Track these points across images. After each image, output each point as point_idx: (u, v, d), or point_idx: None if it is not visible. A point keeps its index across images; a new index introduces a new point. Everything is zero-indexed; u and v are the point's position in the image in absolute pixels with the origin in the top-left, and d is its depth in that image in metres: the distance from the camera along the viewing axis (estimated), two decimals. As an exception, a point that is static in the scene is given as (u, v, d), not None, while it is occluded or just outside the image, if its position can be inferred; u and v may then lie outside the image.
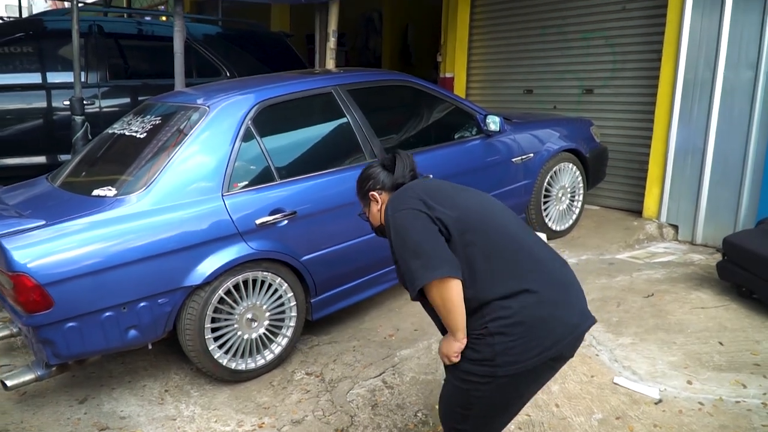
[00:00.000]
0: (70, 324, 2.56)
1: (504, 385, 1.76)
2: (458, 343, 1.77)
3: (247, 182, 3.02)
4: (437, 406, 1.94)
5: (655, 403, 2.64)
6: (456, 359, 1.80)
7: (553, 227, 4.74)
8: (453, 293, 1.71)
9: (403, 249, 1.76)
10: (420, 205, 1.79)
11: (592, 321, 1.85)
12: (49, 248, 2.51)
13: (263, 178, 3.08)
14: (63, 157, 4.75)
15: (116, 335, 2.69)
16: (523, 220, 4.53)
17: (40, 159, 4.84)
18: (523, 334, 1.71)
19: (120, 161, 3.14)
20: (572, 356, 1.84)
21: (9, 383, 2.70)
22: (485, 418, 1.83)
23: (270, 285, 3.07)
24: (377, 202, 2.07)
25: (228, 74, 5.63)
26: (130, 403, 2.96)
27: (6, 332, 3.17)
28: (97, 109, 4.99)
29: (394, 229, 1.80)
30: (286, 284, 3.11)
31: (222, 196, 2.90)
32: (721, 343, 3.08)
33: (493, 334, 1.72)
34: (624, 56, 5.32)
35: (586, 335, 3.07)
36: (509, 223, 1.87)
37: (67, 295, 2.52)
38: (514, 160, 4.24)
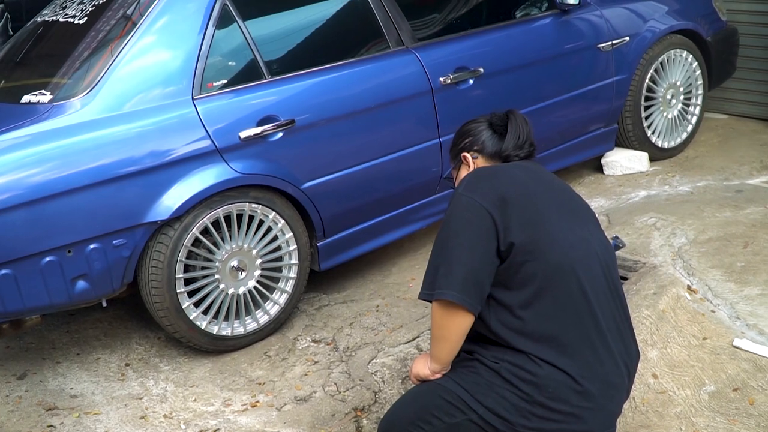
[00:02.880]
0: (3, 271, 2.80)
1: (465, 426, 2.02)
2: (430, 375, 2.10)
3: (225, 81, 3.19)
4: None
5: (787, 370, 2.81)
6: (417, 382, 2.15)
7: (659, 143, 4.83)
8: (454, 325, 1.98)
9: (441, 240, 2.02)
10: (494, 206, 1.97)
11: None
12: (-33, 173, 2.74)
13: (248, 75, 3.24)
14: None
15: (60, 287, 2.93)
16: (615, 132, 4.64)
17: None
18: (528, 398, 1.95)
19: (54, 58, 3.33)
20: None
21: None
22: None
23: (261, 222, 3.27)
24: (468, 167, 2.28)
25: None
26: (82, 380, 3.25)
27: None
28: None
29: (449, 211, 2.04)
30: (282, 221, 3.31)
31: (192, 99, 3.09)
32: None
33: (501, 375, 1.98)
34: None
35: (699, 285, 3.25)
36: (596, 275, 2.05)
37: (-6, 234, 2.77)
38: (601, 46, 4.31)
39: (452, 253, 1.96)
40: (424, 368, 2.11)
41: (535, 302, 1.98)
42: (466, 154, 2.28)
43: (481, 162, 2.26)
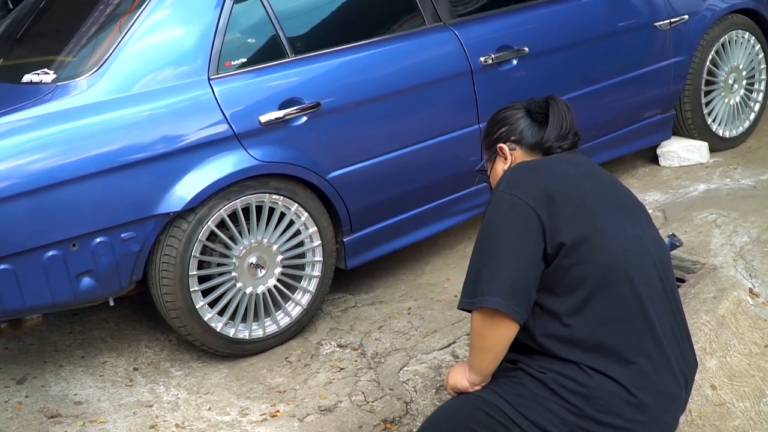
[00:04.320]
0: (2, 266, 2.78)
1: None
2: (469, 387, 2.06)
3: (245, 60, 3.17)
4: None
5: None
6: (454, 393, 2.12)
7: (720, 132, 4.77)
8: (498, 335, 1.94)
9: (483, 243, 1.98)
10: (541, 205, 1.93)
11: None
12: (-36, 158, 2.73)
13: (269, 53, 3.21)
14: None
15: (64, 284, 2.91)
16: (672, 119, 4.57)
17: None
18: (578, 411, 1.92)
19: (58, 34, 3.33)
20: None
21: None
22: None
23: (282, 215, 3.24)
24: (505, 159, 2.23)
25: None
26: (86, 385, 3.23)
27: None
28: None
29: (491, 211, 2.00)
30: (305, 213, 3.28)
31: (208, 80, 3.06)
32: None
33: (547, 386, 1.94)
34: None
35: (763, 288, 3.19)
36: (651, 279, 2.00)
37: (-8, 226, 2.76)
38: (658, 24, 4.26)
39: (496, 256, 1.93)
40: (462, 379, 2.08)
41: (585, 308, 1.94)
42: (502, 145, 2.23)
43: (519, 154, 2.22)
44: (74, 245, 2.88)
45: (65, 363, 3.39)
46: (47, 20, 3.50)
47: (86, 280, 2.95)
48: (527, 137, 2.20)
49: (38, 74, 3.01)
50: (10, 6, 4.43)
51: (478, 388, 2.06)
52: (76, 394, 3.17)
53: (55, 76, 2.99)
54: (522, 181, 2.01)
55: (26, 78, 3.03)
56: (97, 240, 2.91)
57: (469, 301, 1.94)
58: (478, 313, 1.94)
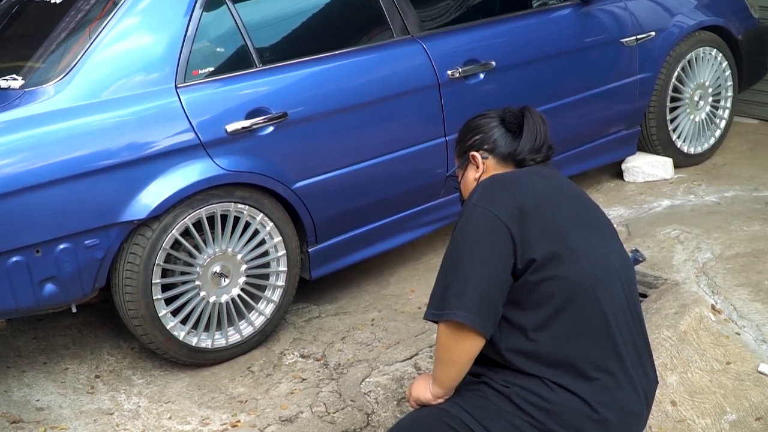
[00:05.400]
0: (-37, 272, 2.82)
1: None
2: (432, 400, 2.07)
3: (212, 69, 3.21)
4: None
5: (817, 399, 2.82)
6: (416, 406, 2.13)
7: (685, 148, 4.85)
8: (464, 348, 1.96)
9: (452, 255, 2.00)
10: (512, 219, 1.95)
11: None
12: (-72, 162, 2.75)
13: (237, 62, 3.26)
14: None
15: (27, 290, 2.93)
16: (637, 135, 4.65)
17: None
18: (541, 425, 1.94)
19: (27, 40, 3.35)
20: None
21: None
22: None
23: (248, 224, 3.28)
24: (477, 168, 2.24)
25: None
26: (48, 391, 3.25)
27: None
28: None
29: (462, 223, 2.02)
30: (271, 223, 3.32)
31: (176, 88, 3.10)
32: None
33: (511, 400, 1.97)
34: None
35: (724, 304, 3.25)
36: (616, 296, 2.04)
37: (-44, 231, 2.78)
38: (625, 40, 4.33)
39: (466, 270, 1.94)
40: (425, 392, 2.09)
41: (552, 324, 1.96)
42: (475, 153, 2.24)
43: (491, 163, 2.22)
44: (38, 251, 2.90)
45: (28, 369, 3.41)
46: (17, 26, 3.52)
47: (49, 287, 2.98)
48: (501, 147, 2.21)
49: (6, 80, 3.04)
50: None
51: (441, 400, 2.07)
52: (38, 400, 3.19)
53: (23, 81, 3.02)
54: (495, 194, 2.02)
55: (-7, 83, 3.06)
56: (61, 246, 2.93)
57: (436, 313, 1.95)
58: (444, 326, 1.95)
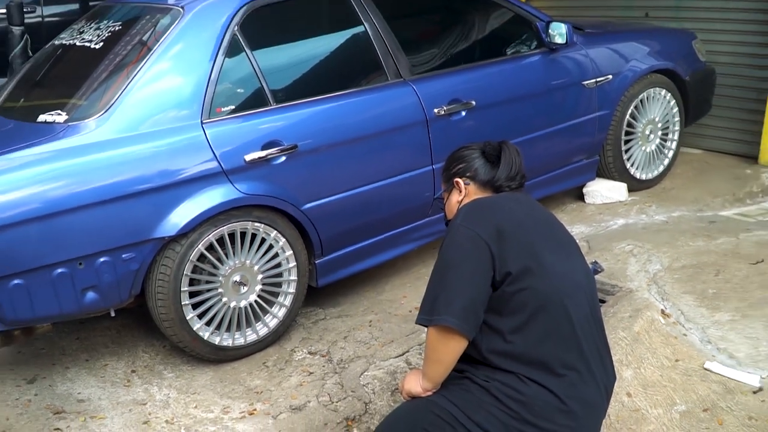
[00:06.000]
0: (15, 281, 2.76)
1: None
2: (422, 393, 2.07)
3: (233, 107, 3.17)
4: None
5: (754, 392, 2.77)
6: (408, 397, 2.13)
7: (638, 175, 4.83)
8: (450, 349, 1.97)
9: (440, 269, 2.00)
10: (492, 238, 1.96)
11: None
12: (-15, 187, 2.71)
13: (254, 102, 3.23)
14: (-2, 80, 4.95)
15: (71, 298, 2.89)
16: (596, 163, 4.62)
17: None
18: (516, 415, 1.93)
19: (70, 79, 3.31)
20: None
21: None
22: None
23: (263, 240, 3.24)
24: (460, 192, 2.25)
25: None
26: (89, 385, 3.20)
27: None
28: (39, 19, 5.17)
29: (449, 241, 2.02)
30: (283, 239, 3.28)
31: (201, 123, 3.06)
32: None
33: (490, 393, 1.97)
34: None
35: (673, 309, 3.22)
36: (581, 304, 2.04)
37: (9, 246, 2.72)
38: (586, 83, 4.31)
39: (452, 282, 1.95)
40: (416, 386, 2.09)
41: (526, 328, 1.97)
42: (458, 179, 2.25)
43: (472, 189, 2.23)
44: (81, 264, 2.86)
45: (71, 365, 3.36)
46: (62, 67, 3.48)
47: (90, 294, 2.93)
48: (481, 175, 2.22)
49: (52, 115, 3.00)
50: (30, 53, 4.41)
51: (430, 393, 2.07)
52: (79, 393, 3.14)
53: (67, 116, 2.98)
54: (476, 216, 2.03)
55: (41, 118, 3.01)
56: (101, 260, 2.90)
57: (427, 318, 1.96)
58: (434, 329, 1.96)
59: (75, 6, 5.32)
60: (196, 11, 3.21)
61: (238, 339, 3.29)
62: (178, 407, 3.04)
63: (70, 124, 2.94)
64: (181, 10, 3.22)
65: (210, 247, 3.11)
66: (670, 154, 4.97)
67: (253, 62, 3.24)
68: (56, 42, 3.69)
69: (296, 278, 3.37)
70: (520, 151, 2.23)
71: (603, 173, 4.77)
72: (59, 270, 2.83)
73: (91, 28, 3.50)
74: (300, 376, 3.18)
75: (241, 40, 3.23)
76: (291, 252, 3.32)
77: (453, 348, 1.96)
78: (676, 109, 4.86)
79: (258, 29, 3.30)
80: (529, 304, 1.96)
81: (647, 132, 4.78)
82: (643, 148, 4.81)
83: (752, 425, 2.64)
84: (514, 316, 1.96)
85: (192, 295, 3.13)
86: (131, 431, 2.89)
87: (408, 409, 2.10)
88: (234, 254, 3.18)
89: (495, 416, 1.94)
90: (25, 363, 3.38)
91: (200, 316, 3.17)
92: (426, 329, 2.01)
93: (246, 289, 3.26)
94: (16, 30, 4.48)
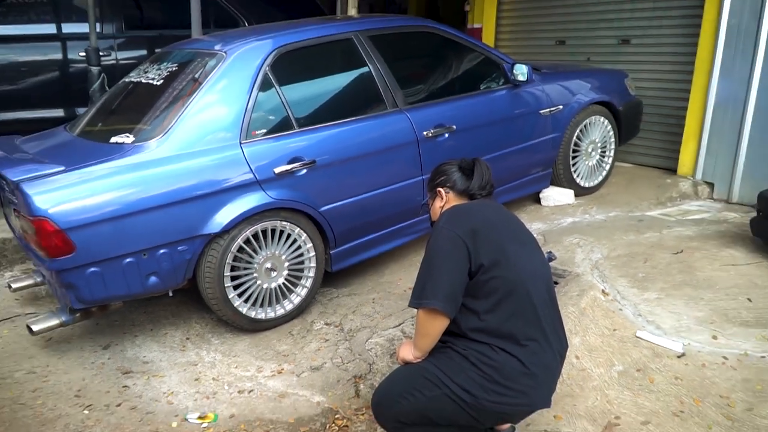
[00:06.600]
0: (92, 269, 2.70)
1: (440, 398, 1.95)
2: (413, 360, 2.05)
3: (265, 130, 3.10)
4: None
5: (678, 357, 2.71)
6: (402, 363, 2.10)
7: (582, 183, 4.76)
8: (435, 326, 1.96)
9: (427, 262, 1.99)
10: (468, 237, 1.95)
11: (548, 405, 2.01)
12: (69, 194, 2.63)
13: (282, 126, 3.15)
14: (80, 110, 4.88)
15: (137, 281, 2.83)
16: (550, 174, 4.55)
17: (58, 112, 4.97)
18: (489, 377, 1.92)
19: (137, 109, 3.24)
20: (516, 423, 2.17)
21: (35, 327, 2.87)
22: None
23: (289, 235, 3.17)
24: (441, 199, 2.23)
25: (246, 24, 5.67)
26: (153, 350, 3.13)
27: (30, 281, 3.34)
28: (114, 61, 5.10)
29: (434, 240, 2.02)
30: (305, 234, 3.21)
31: (240, 143, 2.99)
32: (750, 300, 3.12)
33: (468, 359, 1.95)
34: (665, 2, 5.21)
35: (611, 289, 3.16)
36: (540, 288, 2.01)
37: (88, 240, 2.66)
38: (542, 112, 4.24)
39: (437, 273, 1.94)
40: (408, 354, 2.07)
41: (497, 309, 1.95)
42: (440, 189, 2.23)
43: (451, 196, 2.21)
44: (145, 254, 2.80)
45: (139, 333, 3.29)
46: (130, 99, 3.41)
47: (153, 278, 2.87)
48: (458, 185, 2.20)
49: (122, 137, 2.93)
50: (106, 88, 4.35)
51: (419, 360, 2.05)
52: (144, 356, 3.08)
53: (134, 138, 2.92)
54: (456, 219, 2.02)
55: (113, 139, 2.95)
56: (161, 251, 2.83)
57: (417, 302, 1.97)
58: (422, 311, 1.96)
59: (143, 51, 5.25)
60: (236, 55, 3.14)
61: (270, 313, 3.22)
62: (223, 367, 2.97)
63: (135, 144, 2.88)
64: (224, 54, 3.15)
65: (247, 241, 3.04)
66: (608, 167, 4.91)
67: (281, 95, 3.17)
68: (126, 79, 3.62)
69: (315, 265, 3.30)
70: (490, 166, 2.22)
71: (555, 182, 4.70)
72: (128, 260, 2.77)
73: (153, 69, 3.43)
74: (318, 343, 3.11)
75: (271, 77, 3.16)
76: (311, 244, 3.25)
77: (438, 325, 1.96)
78: (611, 132, 4.80)
79: (285, 69, 3.23)
80: (499, 290, 1.94)
81: (589, 150, 4.72)
82: (587, 162, 4.74)
83: (678, 383, 2.58)
84: (487, 299, 1.95)
85: (233, 278, 3.06)
86: (185, 386, 2.83)
87: (402, 373, 2.08)
88: (266, 246, 3.11)
89: (472, 378, 1.93)
90: (101, 332, 3.31)
91: (240, 295, 3.10)
92: (416, 310, 1.99)
93: (276, 273, 3.19)
94: (95, 69, 4.42)
